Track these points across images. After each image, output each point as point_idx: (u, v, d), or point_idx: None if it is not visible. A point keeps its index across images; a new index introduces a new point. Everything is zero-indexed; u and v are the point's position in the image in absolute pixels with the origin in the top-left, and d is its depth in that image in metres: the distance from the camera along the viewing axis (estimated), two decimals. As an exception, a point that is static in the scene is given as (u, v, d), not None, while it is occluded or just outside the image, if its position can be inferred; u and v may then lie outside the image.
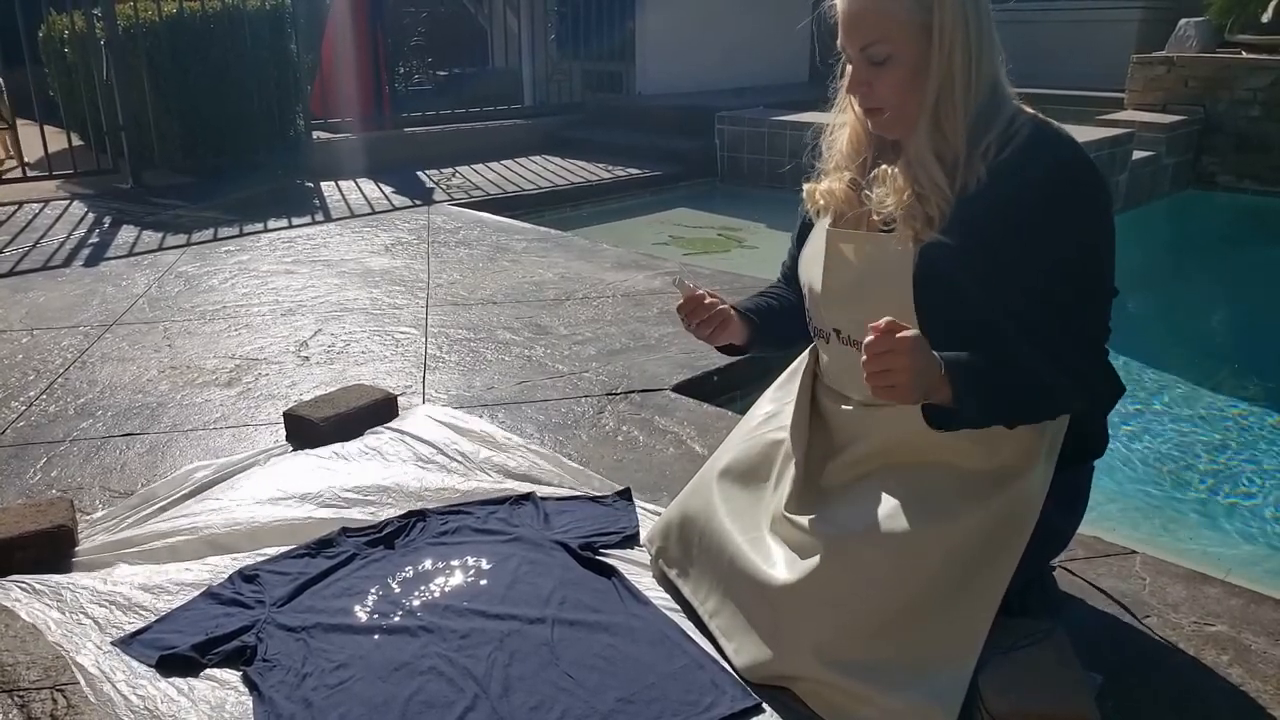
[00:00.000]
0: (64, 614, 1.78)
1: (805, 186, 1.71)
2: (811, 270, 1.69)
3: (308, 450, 2.41)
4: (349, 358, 3.14)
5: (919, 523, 1.50)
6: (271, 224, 5.07)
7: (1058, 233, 1.45)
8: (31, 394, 2.89)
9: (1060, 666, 1.52)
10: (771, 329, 1.82)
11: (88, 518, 2.15)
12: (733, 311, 1.76)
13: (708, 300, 1.72)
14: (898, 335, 1.32)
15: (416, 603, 1.83)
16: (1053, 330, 1.45)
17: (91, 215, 5.25)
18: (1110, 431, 1.69)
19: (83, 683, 1.60)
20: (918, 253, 1.50)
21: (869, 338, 1.33)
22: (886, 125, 1.57)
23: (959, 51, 1.46)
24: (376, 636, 1.74)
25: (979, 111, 1.50)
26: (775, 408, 1.83)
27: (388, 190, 6.00)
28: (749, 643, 1.60)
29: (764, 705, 1.55)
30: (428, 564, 1.95)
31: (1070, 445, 1.55)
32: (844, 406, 1.67)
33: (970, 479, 1.52)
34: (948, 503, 1.51)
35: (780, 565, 1.59)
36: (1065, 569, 1.90)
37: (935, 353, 1.36)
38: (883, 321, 1.32)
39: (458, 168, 6.82)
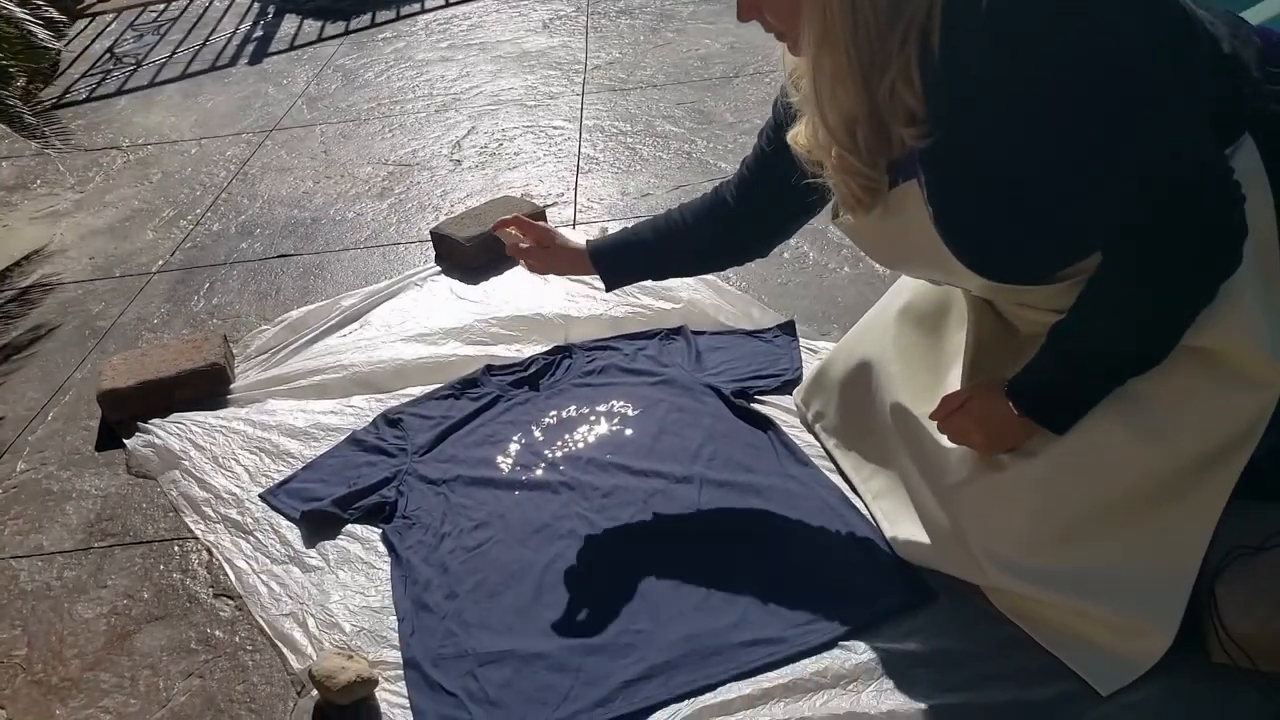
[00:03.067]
0: (217, 461, 1.79)
1: (789, 134, 1.31)
2: None
3: (453, 277, 2.29)
4: (501, 160, 2.95)
5: (1118, 426, 1.20)
6: (429, 1, 4.80)
7: (1045, 76, 1.03)
8: (198, 211, 2.90)
9: (1326, 572, 1.22)
10: (642, 263, 1.58)
11: (244, 350, 2.15)
12: (575, 241, 1.57)
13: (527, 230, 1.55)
14: (952, 413, 1.31)
15: (559, 454, 1.71)
16: (1120, 190, 1.07)
17: (256, 5, 5.16)
18: None
19: (226, 543, 1.61)
20: (926, 198, 1.16)
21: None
22: (795, 53, 1.18)
23: None
24: (517, 493, 1.64)
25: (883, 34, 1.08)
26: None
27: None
28: (916, 536, 1.38)
29: (939, 597, 1.35)
30: (572, 409, 1.82)
31: None
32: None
33: (1191, 380, 1.18)
34: (1159, 412, 1.19)
35: (957, 457, 1.34)
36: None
37: (1003, 391, 1.26)
38: (936, 409, 1.33)
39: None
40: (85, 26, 4.97)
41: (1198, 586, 1.20)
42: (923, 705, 1.20)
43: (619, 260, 1.55)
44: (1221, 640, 1.19)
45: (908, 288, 1.58)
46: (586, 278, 1.72)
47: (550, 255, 1.57)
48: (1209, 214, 1.06)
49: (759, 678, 1.27)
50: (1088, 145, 1.05)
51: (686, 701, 1.26)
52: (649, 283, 2.10)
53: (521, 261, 1.61)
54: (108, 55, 4.50)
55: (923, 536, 1.37)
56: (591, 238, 1.60)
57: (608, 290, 1.61)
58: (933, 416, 1.33)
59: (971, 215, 1.15)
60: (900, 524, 1.42)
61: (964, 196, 1.14)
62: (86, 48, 4.63)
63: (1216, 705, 1.16)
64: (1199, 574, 1.20)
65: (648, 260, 1.57)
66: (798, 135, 1.26)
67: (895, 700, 1.21)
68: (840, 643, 1.30)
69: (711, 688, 1.27)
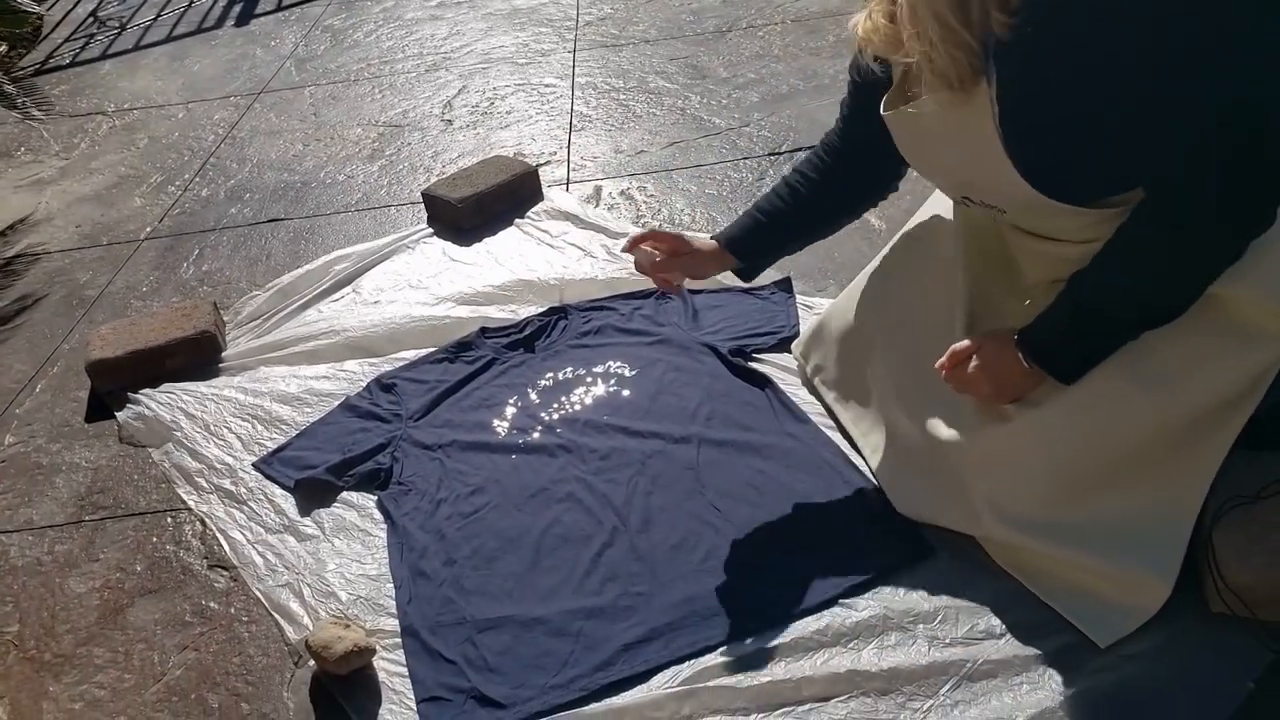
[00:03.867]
0: (209, 430, 1.77)
1: (849, 24, 1.24)
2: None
3: (446, 239, 2.26)
4: (493, 119, 2.90)
5: (1123, 381, 1.18)
6: (417, -41, 4.69)
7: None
8: (186, 176, 2.86)
9: (1327, 521, 1.20)
10: (782, 237, 1.51)
11: (234, 317, 2.12)
12: (705, 241, 1.51)
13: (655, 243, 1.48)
14: (960, 363, 1.28)
15: (556, 417, 1.69)
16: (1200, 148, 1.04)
17: (242, -37, 5.05)
18: None
19: (220, 513, 1.59)
20: (994, 97, 1.10)
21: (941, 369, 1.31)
22: None
23: None
24: (514, 456, 1.62)
25: None
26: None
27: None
28: (915, 491, 1.37)
29: (938, 553, 1.33)
30: (568, 371, 1.79)
31: None
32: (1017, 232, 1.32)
33: (1202, 334, 1.15)
34: (1167, 365, 1.16)
35: (960, 410, 1.31)
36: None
37: (1014, 343, 1.24)
38: (943, 359, 1.29)
39: None
40: (67, -10, 4.87)
41: (1196, 536, 1.19)
42: (923, 662, 1.19)
43: (757, 246, 1.51)
44: (1219, 589, 1.17)
45: (907, 241, 1.55)
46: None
47: (686, 262, 1.51)
48: (1263, 169, 1.04)
49: (760, 637, 1.26)
50: (1167, 74, 1.01)
51: (688, 663, 1.25)
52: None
53: (656, 278, 1.53)
54: (91, 19, 4.41)
55: (922, 491, 1.36)
56: (715, 234, 1.54)
57: (747, 281, 1.57)
58: (939, 367, 1.30)
59: (1039, 120, 1.10)
60: (900, 478, 1.40)
61: (1035, 100, 1.09)
62: (69, 11, 4.54)
63: (1215, 654, 1.15)
64: (1197, 524, 1.19)
65: (785, 237, 1.52)
66: (859, 23, 1.19)
67: (896, 657, 1.21)
68: (840, 600, 1.29)
69: (712, 648, 1.26)
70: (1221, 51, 0.99)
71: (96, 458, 1.78)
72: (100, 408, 1.91)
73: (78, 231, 2.65)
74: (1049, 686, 1.14)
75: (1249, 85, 1.00)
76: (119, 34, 4.19)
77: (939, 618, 1.24)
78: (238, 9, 4.36)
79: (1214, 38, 0.99)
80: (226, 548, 1.53)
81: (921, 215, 1.53)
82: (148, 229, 2.59)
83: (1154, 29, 1.00)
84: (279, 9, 4.27)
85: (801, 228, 1.51)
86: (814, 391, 1.63)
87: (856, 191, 1.48)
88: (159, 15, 4.39)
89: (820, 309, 1.78)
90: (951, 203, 1.44)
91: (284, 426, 1.76)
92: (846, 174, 1.43)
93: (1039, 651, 1.18)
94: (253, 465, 1.68)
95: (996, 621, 1.23)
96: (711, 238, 1.52)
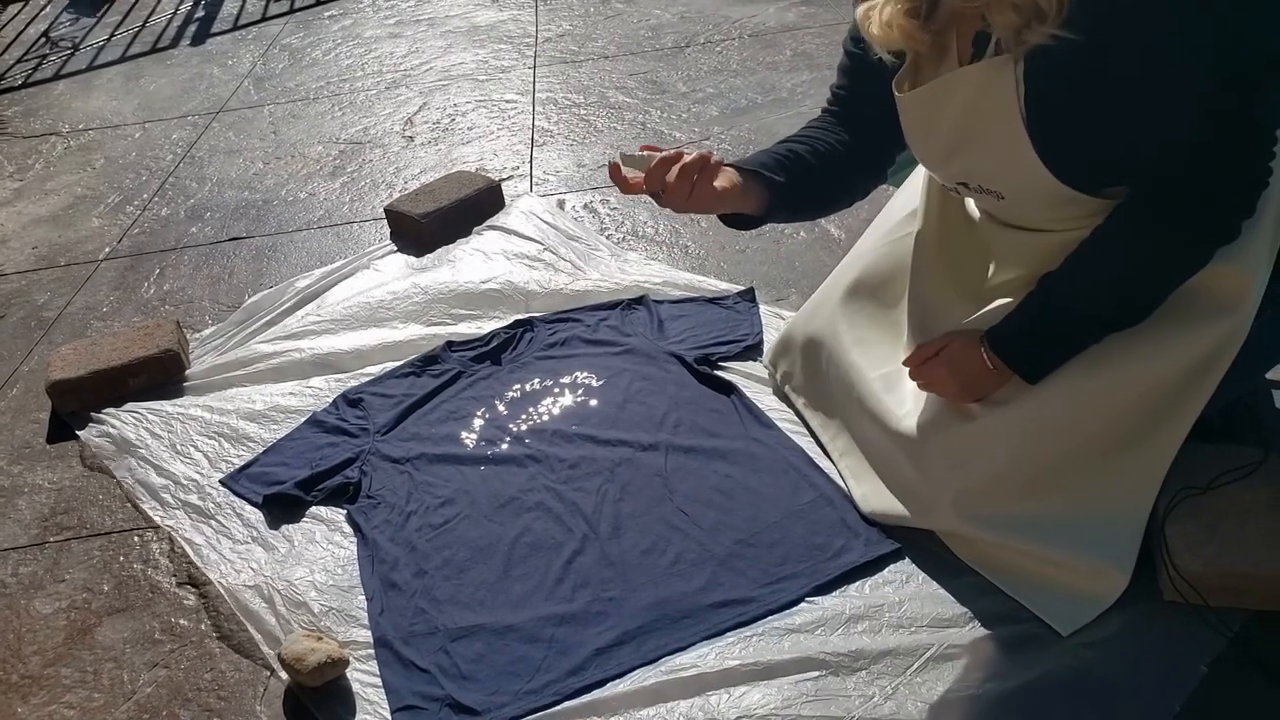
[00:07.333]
0: (175, 449, 1.76)
1: (857, 11, 1.21)
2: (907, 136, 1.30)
3: (410, 255, 2.26)
4: (455, 135, 2.91)
5: (1083, 377, 1.22)
6: (375, -22, 4.70)
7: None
8: (145, 196, 2.83)
9: (1271, 511, 1.25)
10: (799, 188, 1.30)
11: (197, 335, 2.11)
12: (730, 167, 1.24)
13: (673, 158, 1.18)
14: (929, 361, 1.31)
15: (524, 427, 1.70)
16: (1203, 140, 1.06)
17: (196, -16, 5.02)
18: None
19: (187, 527, 1.58)
20: (1019, 76, 1.10)
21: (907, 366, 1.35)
22: None
23: None
24: (483, 468, 1.63)
25: None
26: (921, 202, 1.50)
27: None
28: (879, 491, 1.40)
29: (903, 551, 1.37)
30: (535, 382, 1.81)
31: None
32: (996, 225, 1.35)
33: (1156, 321, 1.20)
34: (1121, 355, 1.21)
35: (914, 414, 1.35)
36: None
37: (981, 342, 1.27)
38: (910, 356, 1.33)
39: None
40: (18, 11, 4.82)
41: (1150, 527, 1.23)
42: (889, 646, 1.22)
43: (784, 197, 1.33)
44: (1172, 578, 1.21)
45: (857, 262, 1.58)
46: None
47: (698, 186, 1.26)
48: (1238, 182, 1.08)
49: (729, 636, 1.29)
50: (1197, 58, 1.02)
51: (659, 664, 1.27)
52: (605, 254, 2.09)
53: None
54: (44, 39, 4.37)
55: (887, 491, 1.39)
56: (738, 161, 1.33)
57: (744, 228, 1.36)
58: (906, 363, 1.33)
59: (1065, 105, 1.10)
60: (865, 480, 1.43)
61: (1063, 86, 1.09)
62: (21, 32, 4.49)
63: (1169, 641, 1.19)
64: (1150, 515, 1.23)
65: (811, 191, 1.37)
66: (871, 21, 1.15)
67: (862, 641, 1.24)
68: (807, 599, 1.32)
69: (683, 649, 1.28)
70: (1235, 36, 1.01)
71: (59, 479, 1.77)
72: (62, 429, 1.89)
73: (34, 253, 2.62)
74: (1012, 672, 1.18)
75: (1240, 73, 1.02)
76: (72, 54, 4.15)
77: (904, 609, 1.27)
78: (193, 29, 4.34)
79: (1231, 22, 1.00)
80: (196, 563, 1.52)
81: (880, 222, 1.57)
82: (106, 249, 2.57)
83: (1182, 19, 1.01)
84: (235, 28, 4.26)
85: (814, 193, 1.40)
86: (785, 399, 1.66)
87: (845, 188, 1.41)
88: (113, 35, 4.35)
89: (783, 317, 1.81)
90: (910, 209, 1.48)
91: (250, 443, 1.75)
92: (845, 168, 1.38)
93: (1002, 638, 1.22)
94: (220, 482, 1.67)
95: (961, 610, 1.26)
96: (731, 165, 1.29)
